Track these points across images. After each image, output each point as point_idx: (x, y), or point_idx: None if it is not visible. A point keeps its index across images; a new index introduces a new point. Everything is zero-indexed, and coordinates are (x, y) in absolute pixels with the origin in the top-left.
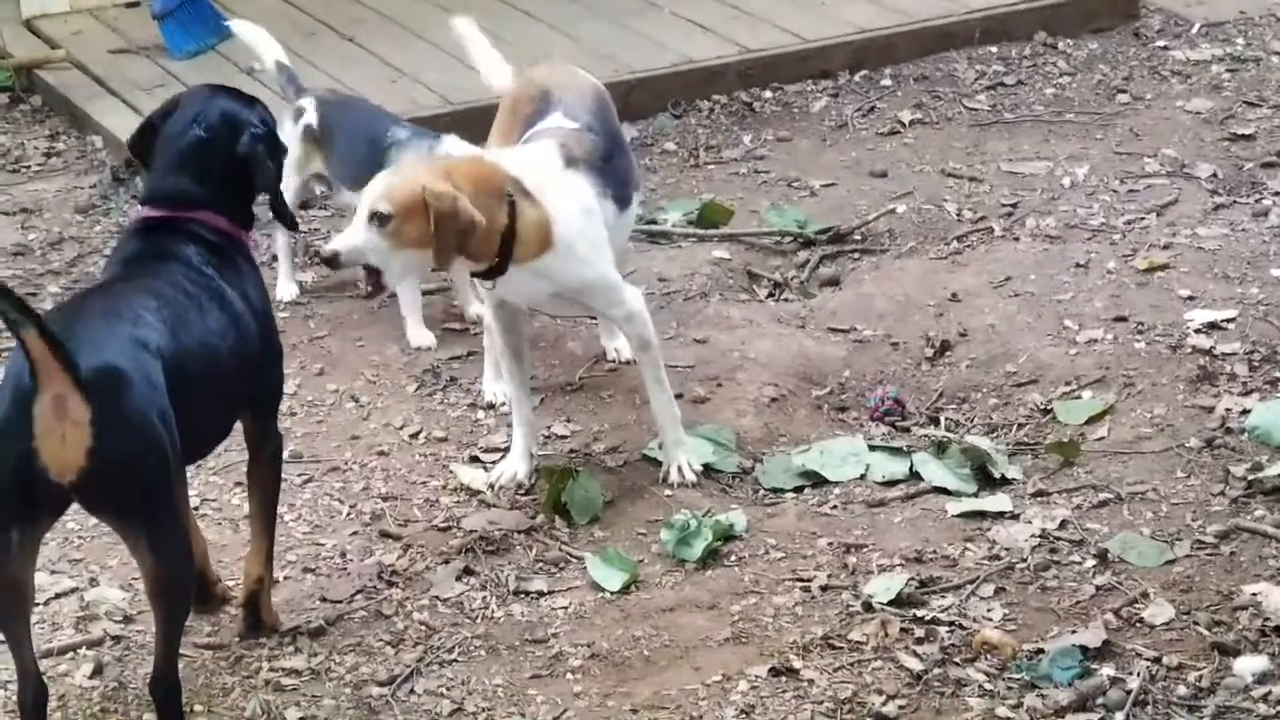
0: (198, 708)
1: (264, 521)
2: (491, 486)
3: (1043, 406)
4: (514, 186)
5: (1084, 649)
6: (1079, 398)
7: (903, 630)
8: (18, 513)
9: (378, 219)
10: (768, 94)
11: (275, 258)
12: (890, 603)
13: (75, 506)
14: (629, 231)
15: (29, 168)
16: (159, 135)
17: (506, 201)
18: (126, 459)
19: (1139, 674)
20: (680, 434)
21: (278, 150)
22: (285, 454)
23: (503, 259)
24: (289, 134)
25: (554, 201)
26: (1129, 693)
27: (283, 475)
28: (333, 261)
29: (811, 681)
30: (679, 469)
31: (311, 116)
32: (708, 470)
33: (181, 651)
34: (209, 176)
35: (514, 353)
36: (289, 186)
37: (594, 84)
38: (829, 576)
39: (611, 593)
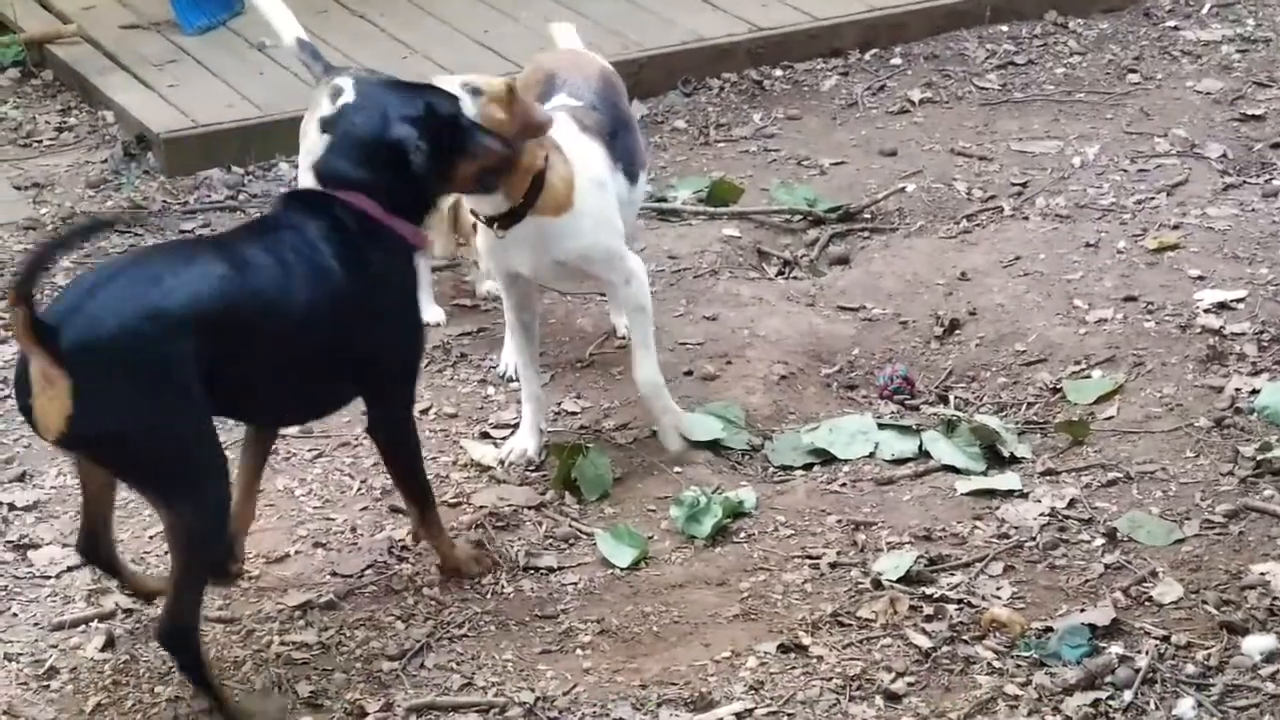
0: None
1: (405, 495)
2: (502, 463)
3: (1052, 385)
4: (551, 139)
5: (1093, 627)
6: (1088, 377)
7: (911, 608)
8: None
9: (470, 89)
10: (778, 72)
11: None
12: (899, 580)
13: None
14: (638, 208)
15: (40, 142)
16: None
17: (544, 149)
18: (109, 430)
19: (1147, 652)
20: (665, 399)
21: (443, 140)
22: (295, 429)
23: (525, 204)
24: (326, 113)
25: (576, 165)
26: (1137, 671)
27: (412, 462)
28: None
29: (820, 658)
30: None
31: (350, 96)
32: (717, 447)
33: None
34: (366, 161)
35: (525, 329)
36: None
37: (600, 66)
38: (838, 554)
39: (621, 569)
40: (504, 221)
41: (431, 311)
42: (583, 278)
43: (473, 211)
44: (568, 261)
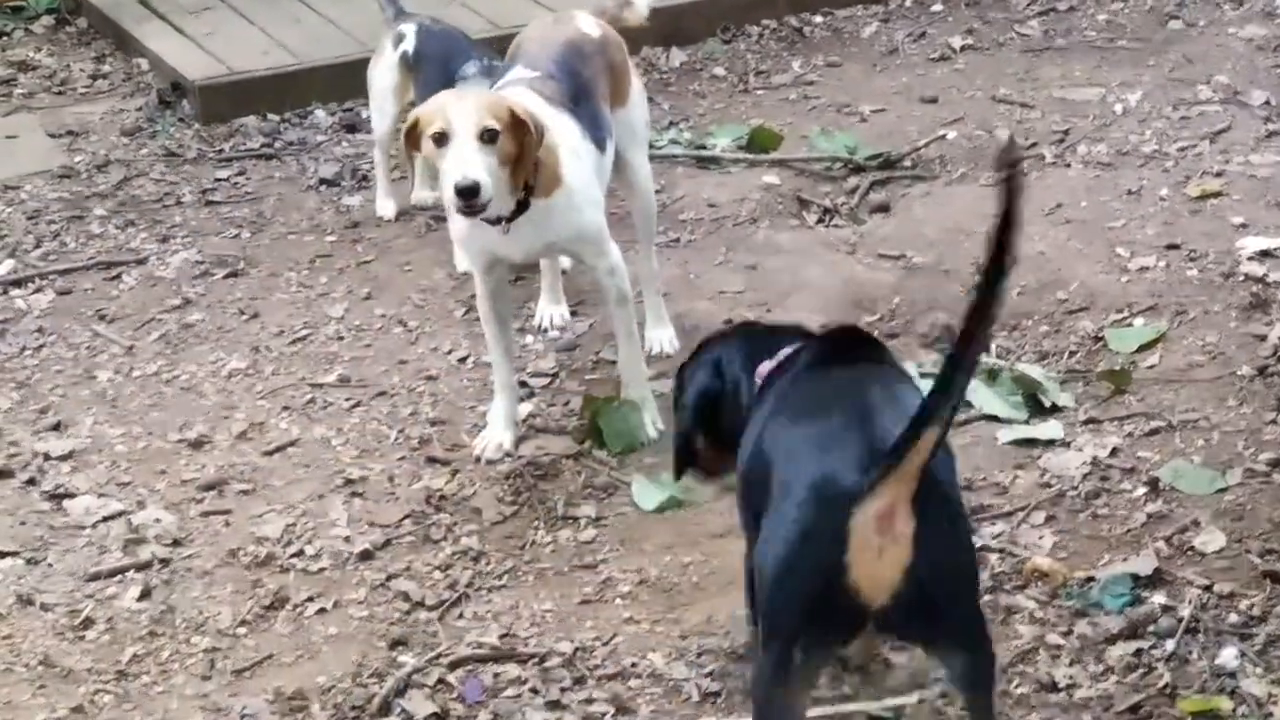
0: (240, 630)
1: None
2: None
3: (1094, 334)
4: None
5: (1135, 577)
6: (1130, 325)
7: None
8: (810, 633)
9: (488, 135)
10: (818, 19)
11: (365, 177)
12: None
13: None
14: (608, 176)
15: (75, 90)
16: None
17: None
18: (943, 575)
19: (1190, 602)
20: (646, 390)
21: None
22: (332, 377)
23: (528, 192)
24: (387, 59)
25: (555, 138)
26: (1180, 620)
27: None
28: (475, 190)
29: None
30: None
31: (411, 43)
32: None
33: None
34: None
35: (499, 319)
36: (387, 114)
37: (571, 33)
38: None
39: (647, 511)
40: (511, 216)
41: (385, 205)
42: (567, 259)
43: (463, 214)
44: (560, 241)
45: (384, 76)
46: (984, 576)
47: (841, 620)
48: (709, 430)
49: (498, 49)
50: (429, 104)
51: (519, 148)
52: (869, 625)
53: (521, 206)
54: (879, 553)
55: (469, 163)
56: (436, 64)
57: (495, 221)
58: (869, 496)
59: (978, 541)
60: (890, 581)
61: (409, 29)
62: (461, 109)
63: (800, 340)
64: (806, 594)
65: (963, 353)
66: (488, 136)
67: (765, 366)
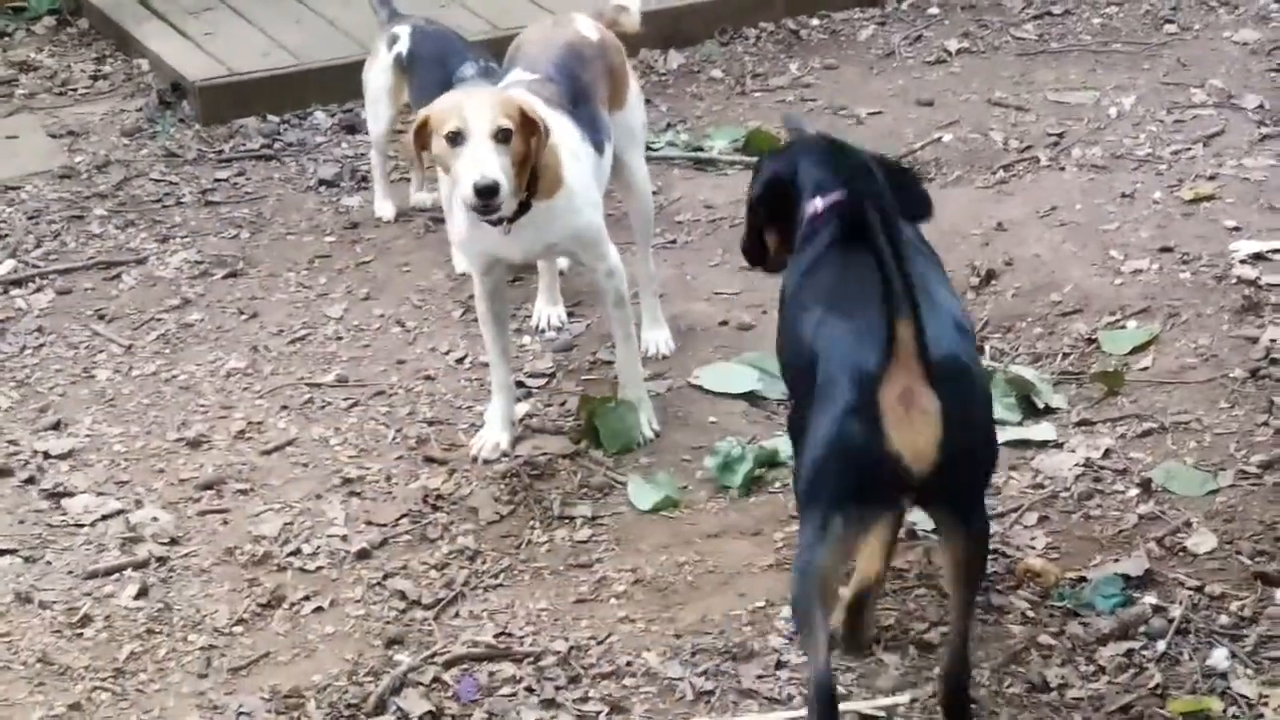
0: (236, 628)
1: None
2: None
3: (1087, 336)
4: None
5: (1126, 578)
6: (1124, 327)
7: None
8: (846, 501)
9: (502, 135)
10: (815, 22)
11: (364, 178)
12: (934, 531)
13: None
14: (606, 178)
15: (76, 90)
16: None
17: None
18: (970, 452)
19: (1181, 603)
20: (642, 391)
21: None
22: (330, 377)
23: (530, 193)
24: (381, 61)
25: (556, 140)
26: (1171, 621)
27: None
28: (495, 189)
29: None
30: (643, 425)
31: (404, 45)
32: (752, 397)
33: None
34: None
35: (497, 319)
36: (382, 116)
37: (570, 36)
38: None
39: (642, 510)
40: (514, 216)
41: (384, 207)
42: (567, 260)
43: (478, 213)
44: (560, 243)
45: (379, 78)
46: None
47: (885, 488)
48: (774, 219)
49: (497, 51)
50: (441, 102)
51: (527, 148)
52: (907, 497)
53: (523, 207)
54: (913, 426)
55: (487, 162)
56: (432, 65)
57: (497, 222)
58: (886, 380)
59: None
60: (928, 452)
61: (403, 31)
62: (477, 108)
63: (847, 190)
64: (853, 463)
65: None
66: (502, 136)
67: (815, 205)
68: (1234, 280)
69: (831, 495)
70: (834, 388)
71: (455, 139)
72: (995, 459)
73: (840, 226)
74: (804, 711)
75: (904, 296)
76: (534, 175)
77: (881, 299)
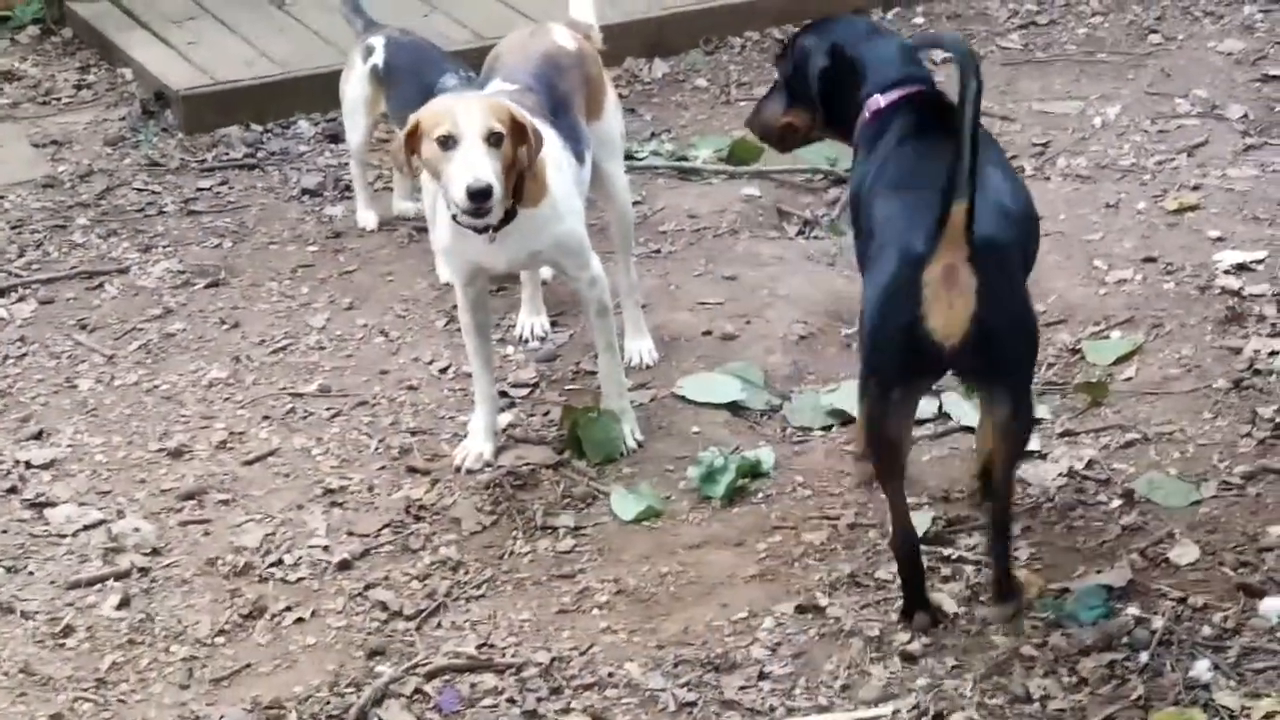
0: (218, 639)
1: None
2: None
3: (1071, 346)
4: None
5: (1109, 589)
6: (1107, 338)
7: (929, 569)
8: (902, 373)
9: (494, 139)
10: None
11: (347, 188)
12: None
13: None
14: (586, 189)
15: (59, 100)
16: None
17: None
18: (1006, 328)
19: (1164, 614)
20: (625, 402)
21: None
22: (313, 387)
23: (515, 200)
24: (357, 73)
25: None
26: (1154, 633)
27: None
28: (488, 191)
29: (838, 619)
30: (626, 435)
31: (380, 56)
32: (735, 408)
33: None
34: None
35: (480, 330)
36: (359, 126)
37: (548, 46)
38: (856, 514)
39: (625, 521)
40: (499, 224)
41: (366, 217)
42: (550, 270)
43: (462, 222)
44: (544, 251)
45: (356, 90)
46: (959, 587)
47: (925, 360)
48: (823, 104)
49: (475, 61)
50: (432, 106)
51: (514, 154)
52: (947, 366)
53: (509, 215)
54: (949, 304)
55: (480, 165)
56: (410, 76)
57: (484, 230)
58: (932, 259)
59: (954, 553)
60: (960, 327)
61: (377, 42)
62: (469, 111)
63: (912, 86)
64: (896, 339)
65: (961, 125)
66: (494, 139)
67: (879, 101)
68: (1218, 291)
69: (879, 365)
70: (884, 264)
71: (447, 142)
72: (1033, 341)
73: (918, 118)
74: None
75: (967, 180)
76: (519, 182)
77: (945, 180)
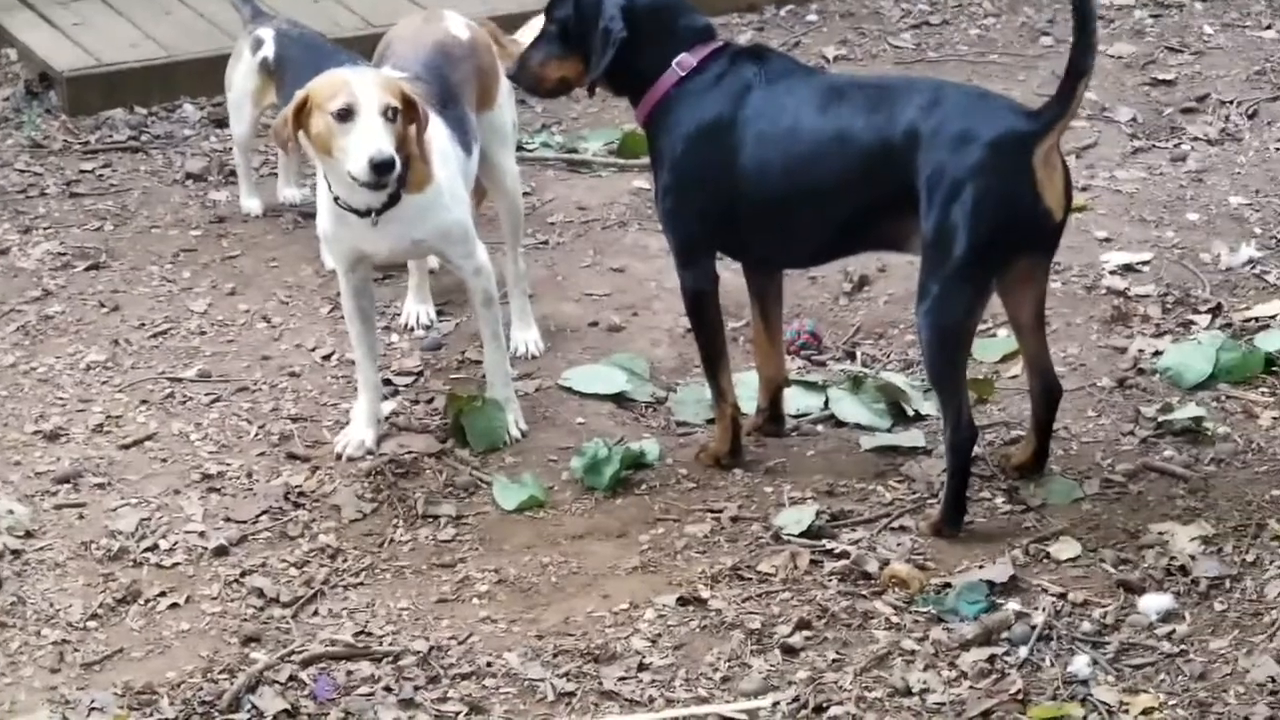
0: (90, 623)
1: None
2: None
3: None
4: None
5: (991, 584)
6: (994, 335)
7: (812, 562)
8: (1010, 257)
9: (391, 114)
10: None
11: (232, 172)
12: (800, 535)
13: None
14: (473, 180)
15: None
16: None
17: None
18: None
19: (1044, 609)
20: (510, 391)
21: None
22: (192, 372)
23: (401, 185)
24: (246, 64)
25: (428, 134)
26: (1034, 627)
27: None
28: (391, 164)
29: (719, 611)
30: (510, 425)
31: (270, 49)
32: (621, 399)
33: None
34: None
35: (363, 315)
36: (245, 118)
37: (440, 35)
38: (739, 507)
39: (507, 511)
40: (382, 209)
41: (250, 203)
42: (434, 258)
43: (344, 205)
44: (427, 239)
45: (244, 82)
46: (842, 582)
47: (1040, 235)
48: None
49: (365, 49)
50: (323, 79)
51: (405, 133)
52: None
53: (392, 199)
54: (1051, 180)
55: (382, 137)
56: (303, 68)
57: (364, 214)
58: (1043, 139)
59: (837, 547)
60: (1063, 201)
61: (266, 34)
62: (366, 85)
63: (713, 42)
64: (1016, 222)
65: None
66: (391, 114)
67: (689, 60)
68: (1104, 291)
69: (996, 258)
70: (982, 158)
71: (345, 115)
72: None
73: (760, 64)
74: (670, 712)
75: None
76: (405, 166)
77: (1071, 55)
